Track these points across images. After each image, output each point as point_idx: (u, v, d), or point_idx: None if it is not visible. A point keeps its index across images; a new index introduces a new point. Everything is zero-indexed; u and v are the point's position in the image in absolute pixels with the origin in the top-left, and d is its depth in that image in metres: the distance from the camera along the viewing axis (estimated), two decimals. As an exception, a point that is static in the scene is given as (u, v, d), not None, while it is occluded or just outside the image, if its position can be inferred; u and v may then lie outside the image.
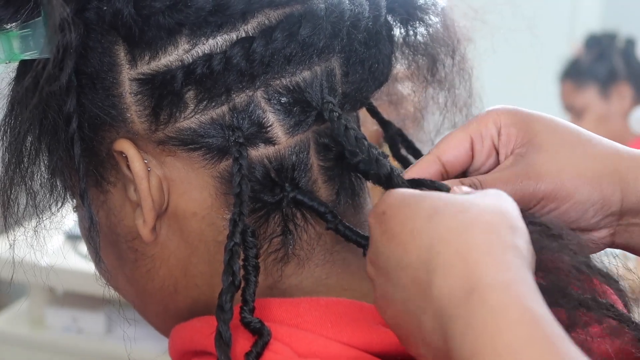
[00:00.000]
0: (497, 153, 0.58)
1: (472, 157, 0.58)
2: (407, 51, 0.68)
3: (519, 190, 0.55)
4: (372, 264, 0.52)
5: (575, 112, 2.43)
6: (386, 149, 0.69)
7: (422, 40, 0.67)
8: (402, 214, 0.50)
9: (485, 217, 0.48)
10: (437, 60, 0.69)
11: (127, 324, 0.64)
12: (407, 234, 0.49)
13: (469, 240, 0.47)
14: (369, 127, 0.73)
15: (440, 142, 0.59)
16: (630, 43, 2.45)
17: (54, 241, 0.63)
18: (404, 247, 0.49)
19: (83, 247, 1.88)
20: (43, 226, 0.60)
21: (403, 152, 0.70)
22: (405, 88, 0.73)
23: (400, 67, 0.69)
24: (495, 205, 0.49)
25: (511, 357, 0.42)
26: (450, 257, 0.47)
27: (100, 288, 0.66)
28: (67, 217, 0.63)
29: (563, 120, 0.58)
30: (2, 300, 2.24)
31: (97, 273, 0.65)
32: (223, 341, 0.52)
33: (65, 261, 1.80)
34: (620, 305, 0.62)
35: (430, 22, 0.67)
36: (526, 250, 0.48)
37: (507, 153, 0.58)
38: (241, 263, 0.54)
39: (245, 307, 0.54)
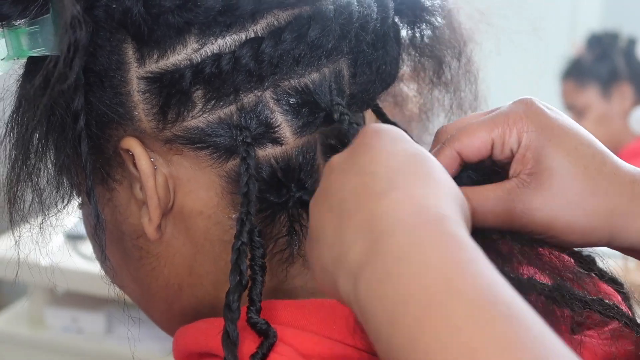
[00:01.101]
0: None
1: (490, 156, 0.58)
2: (413, 53, 0.68)
3: (513, 214, 0.56)
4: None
5: (577, 112, 2.43)
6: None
7: (428, 42, 0.68)
8: (336, 161, 0.51)
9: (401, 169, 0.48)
10: (443, 62, 0.69)
11: (129, 325, 0.64)
12: (337, 181, 0.50)
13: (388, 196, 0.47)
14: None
15: (462, 135, 0.57)
16: (631, 43, 2.45)
17: (54, 241, 0.63)
18: (326, 197, 0.50)
19: (83, 247, 1.89)
20: (49, 223, 0.61)
21: None
22: (411, 89, 0.73)
23: (406, 68, 0.69)
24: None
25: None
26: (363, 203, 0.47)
27: (100, 288, 0.65)
28: (68, 217, 0.63)
29: (591, 142, 0.57)
30: (2, 300, 2.24)
31: (102, 271, 0.65)
32: (230, 340, 0.52)
33: (65, 261, 1.80)
34: (624, 307, 0.62)
35: (436, 24, 0.67)
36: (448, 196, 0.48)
37: (515, 172, 0.57)
38: (248, 263, 0.54)
39: (252, 308, 0.54)
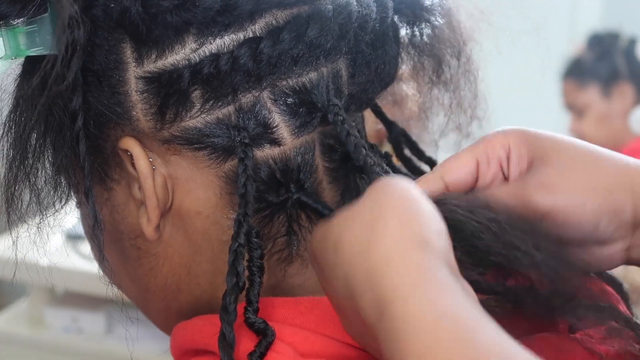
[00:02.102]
0: (504, 175, 0.57)
1: (477, 179, 0.57)
2: (412, 52, 0.68)
3: (529, 203, 0.55)
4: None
5: (577, 111, 2.43)
6: (387, 148, 0.69)
7: (427, 41, 0.67)
8: (320, 253, 0.50)
9: (376, 226, 0.47)
10: (443, 62, 0.69)
11: (128, 323, 0.63)
12: (329, 271, 0.49)
13: (370, 259, 0.46)
14: (372, 126, 0.73)
15: (445, 162, 0.58)
16: (632, 43, 2.44)
17: (54, 241, 0.63)
18: (331, 285, 0.50)
19: (83, 247, 1.89)
20: (46, 223, 0.60)
21: (406, 152, 0.70)
22: (410, 89, 0.72)
23: (405, 67, 0.69)
24: (382, 206, 0.48)
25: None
26: (360, 285, 0.46)
27: (100, 288, 0.65)
28: (68, 217, 0.63)
29: (572, 138, 0.58)
30: (2, 300, 2.24)
31: (100, 271, 0.65)
32: (226, 342, 0.51)
33: (65, 261, 1.81)
34: (622, 307, 0.62)
35: (436, 23, 0.67)
36: (431, 233, 0.47)
37: (522, 171, 0.56)
38: (245, 264, 0.54)
39: (249, 308, 0.54)
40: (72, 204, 0.63)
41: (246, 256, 0.54)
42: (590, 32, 2.60)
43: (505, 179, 0.57)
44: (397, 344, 0.43)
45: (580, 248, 0.55)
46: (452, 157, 0.58)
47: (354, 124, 0.60)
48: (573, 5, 3.49)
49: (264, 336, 0.54)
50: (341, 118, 0.56)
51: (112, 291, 0.66)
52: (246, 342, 0.54)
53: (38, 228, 0.60)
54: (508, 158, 0.56)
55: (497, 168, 0.57)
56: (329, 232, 0.50)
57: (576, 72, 2.44)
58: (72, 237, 1.85)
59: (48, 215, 0.60)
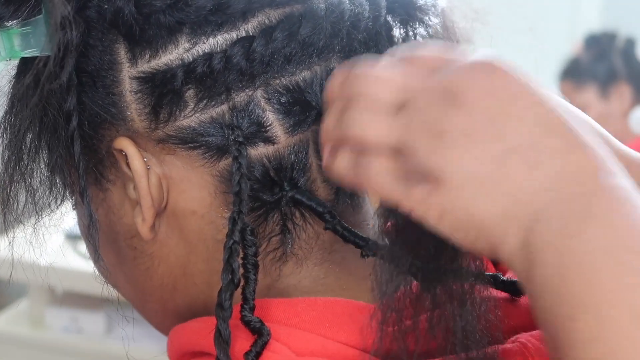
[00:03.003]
0: None
1: None
2: None
3: None
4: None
5: (575, 112, 2.42)
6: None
7: (421, 41, 0.67)
8: (517, 79, 0.47)
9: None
10: None
11: (127, 323, 0.64)
12: (539, 102, 0.46)
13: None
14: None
15: None
16: (630, 43, 2.44)
17: (53, 241, 0.63)
18: (534, 112, 0.45)
19: (83, 247, 1.89)
20: (42, 224, 0.61)
21: None
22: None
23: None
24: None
25: None
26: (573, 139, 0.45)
27: (100, 288, 0.66)
28: (67, 217, 0.63)
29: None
30: (2, 300, 2.24)
31: (96, 271, 0.65)
32: (222, 339, 0.52)
33: (65, 261, 1.80)
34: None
35: (430, 23, 0.67)
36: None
37: None
38: (240, 262, 0.54)
39: (245, 306, 0.54)
40: (70, 204, 0.63)
41: (241, 254, 0.54)
42: (590, 32, 2.60)
43: None
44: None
45: None
46: None
47: None
48: (573, 5, 3.49)
49: (260, 335, 0.54)
50: None
51: (112, 291, 0.67)
52: (241, 342, 0.54)
53: (34, 228, 0.61)
54: None
55: None
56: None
57: (574, 73, 2.44)
58: (71, 237, 1.85)
59: (44, 215, 0.60)
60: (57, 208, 0.61)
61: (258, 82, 0.55)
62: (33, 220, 0.61)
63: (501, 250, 0.45)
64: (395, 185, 0.47)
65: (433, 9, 0.66)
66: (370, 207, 0.64)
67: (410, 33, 0.66)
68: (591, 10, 3.50)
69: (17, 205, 0.59)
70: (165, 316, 0.64)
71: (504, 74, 0.46)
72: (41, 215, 0.60)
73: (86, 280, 1.73)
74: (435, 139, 0.45)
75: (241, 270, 0.54)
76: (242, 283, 0.54)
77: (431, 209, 0.46)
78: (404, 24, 0.65)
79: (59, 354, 1.99)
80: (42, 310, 2.03)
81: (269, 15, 0.56)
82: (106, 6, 0.54)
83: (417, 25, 0.66)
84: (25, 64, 0.58)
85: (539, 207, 0.44)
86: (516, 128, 0.45)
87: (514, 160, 0.44)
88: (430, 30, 0.67)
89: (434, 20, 0.67)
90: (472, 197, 0.45)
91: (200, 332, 0.57)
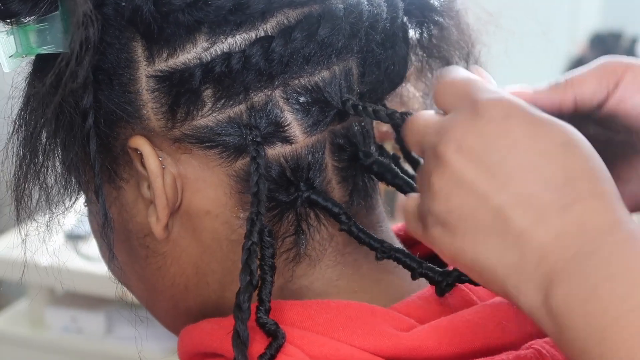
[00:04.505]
0: None
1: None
2: (420, 53, 0.68)
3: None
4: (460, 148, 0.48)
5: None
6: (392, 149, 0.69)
7: (436, 43, 0.67)
8: (533, 128, 0.47)
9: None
10: (451, 63, 0.69)
11: (129, 325, 0.63)
12: (538, 152, 0.46)
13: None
14: (380, 127, 0.73)
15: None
16: (634, 42, 2.45)
17: (54, 241, 0.63)
18: (532, 163, 0.46)
19: (83, 247, 1.89)
20: (56, 222, 0.60)
21: (414, 154, 0.70)
22: (418, 90, 0.72)
23: (413, 69, 0.69)
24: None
25: None
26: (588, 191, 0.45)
27: (100, 288, 0.66)
28: (67, 217, 0.63)
29: None
30: (1, 300, 2.24)
31: (105, 271, 0.65)
32: (240, 341, 0.51)
33: (65, 261, 1.80)
34: None
35: (445, 24, 0.67)
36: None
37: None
38: (257, 262, 0.54)
39: (261, 307, 0.54)
40: (76, 203, 0.62)
41: (258, 255, 0.54)
42: (591, 32, 2.60)
43: None
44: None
45: None
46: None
47: (363, 123, 0.60)
48: (573, 5, 3.50)
49: (275, 338, 0.54)
50: (361, 105, 0.57)
51: (112, 291, 0.66)
52: (256, 345, 0.54)
53: (47, 227, 0.60)
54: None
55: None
56: (554, 125, 0.47)
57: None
58: (72, 237, 1.85)
59: (57, 213, 0.60)
60: (72, 206, 0.61)
61: (277, 82, 0.55)
62: (45, 218, 0.60)
63: (519, 303, 0.46)
64: (416, 223, 0.51)
65: (448, 11, 0.67)
66: (383, 209, 0.64)
67: (426, 34, 0.66)
68: (592, 10, 3.51)
69: (31, 202, 0.59)
70: (176, 316, 0.64)
71: (516, 125, 0.47)
72: (55, 213, 0.60)
73: (86, 280, 1.73)
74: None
75: (258, 272, 0.54)
76: (259, 284, 0.54)
77: (444, 249, 0.49)
78: (420, 25, 0.66)
79: (58, 354, 1.99)
80: (42, 310, 2.03)
81: (288, 16, 0.55)
82: (124, 4, 0.54)
83: (432, 27, 0.66)
84: (42, 61, 0.57)
85: (552, 268, 0.45)
86: (520, 179, 0.46)
87: (517, 213, 0.46)
88: (445, 33, 0.67)
89: (449, 22, 0.67)
90: (479, 245, 0.47)
91: (212, 333, 0.57)
